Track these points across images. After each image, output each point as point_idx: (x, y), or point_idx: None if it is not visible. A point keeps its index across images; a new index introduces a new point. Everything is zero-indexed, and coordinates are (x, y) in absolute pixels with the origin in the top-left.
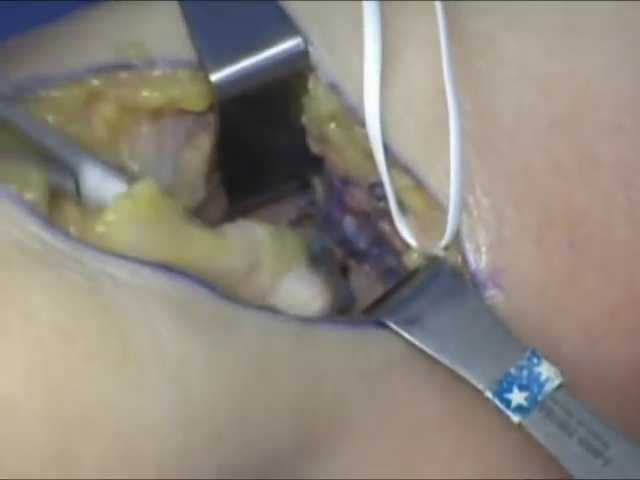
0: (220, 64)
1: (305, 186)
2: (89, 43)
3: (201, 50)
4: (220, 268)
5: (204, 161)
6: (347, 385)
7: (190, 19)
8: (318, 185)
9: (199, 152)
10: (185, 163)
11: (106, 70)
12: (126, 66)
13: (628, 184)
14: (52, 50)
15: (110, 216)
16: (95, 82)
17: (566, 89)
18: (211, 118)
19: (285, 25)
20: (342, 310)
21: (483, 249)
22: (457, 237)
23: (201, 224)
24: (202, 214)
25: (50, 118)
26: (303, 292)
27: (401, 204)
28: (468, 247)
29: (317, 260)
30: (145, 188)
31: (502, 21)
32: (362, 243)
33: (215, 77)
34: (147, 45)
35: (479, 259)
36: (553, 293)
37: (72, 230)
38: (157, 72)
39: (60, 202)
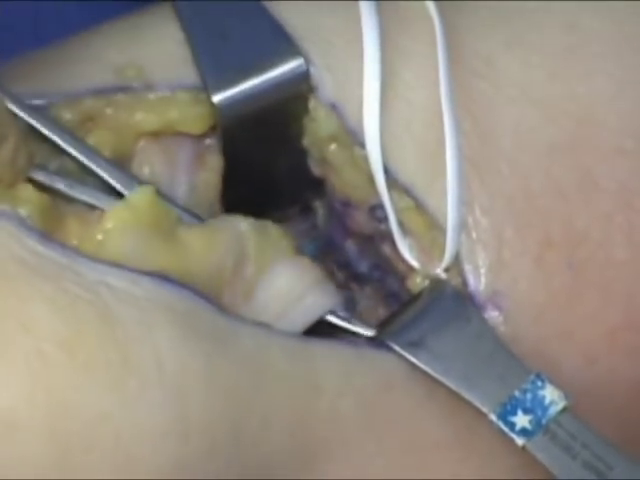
0: (222, 85)
1: (306, 210)
2: (88, 65)
3: (203, 71)
4: (211, 267)
5: (218, 182)
6: (344, 402)
7: (193, 40)
8: (319, 208)
9: (212, 173)
10: (201, 183)
11: (104, 92)
12: (124, 88)
13: (628, 206)
14: (51, 72)
15: (108, 224)
16: (91, 103)
17: (567, 112)
18: (210, 141)
19: (287, 46)
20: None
21: (482, 270)
22: (457, 258)
23: (191, 223)
24: None
25: None
26: (292, 285)
27: (402, 225)
28: (467, 268)
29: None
30: (142, 196)
31: (503, 42)
32: (363, 267)
33: (217, 98)
34: (146, 67)
35: (478, 280)
36: (552, 314)
37: (72, 239)
38: (155, 94)
39: (59, 210)
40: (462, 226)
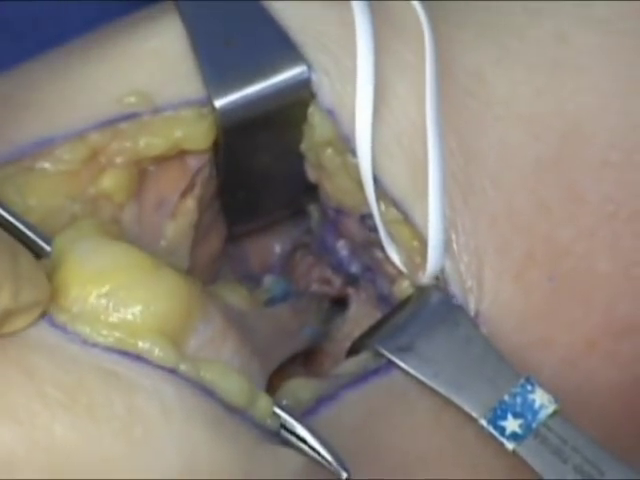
0: (225, 90)
1: (300, 213)
2: (89, 96)
3: (206, 76)
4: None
5: (189, 230)
6: None
7: (196, 45)
8: (314, 212)
9: (185, 219)
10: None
11: (108, 124)
12: (129, 116)
13: (612, 218)
14: (53, 107)
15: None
16: (97, 138)
17: (554, 128)
18: (203, 160)
19: (290, 52)
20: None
21: (465, 287)
22: (442, 272)
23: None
24: (203, 243)
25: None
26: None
27: (390, 235)
28: (451, 284)
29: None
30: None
31: (493, 57)
32: (355, 268)
33: (220, 103)
34: (148, 91)
35: (462, 296)
36: (532, 324)
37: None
38: (159, 116)
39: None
40: (444, 243)
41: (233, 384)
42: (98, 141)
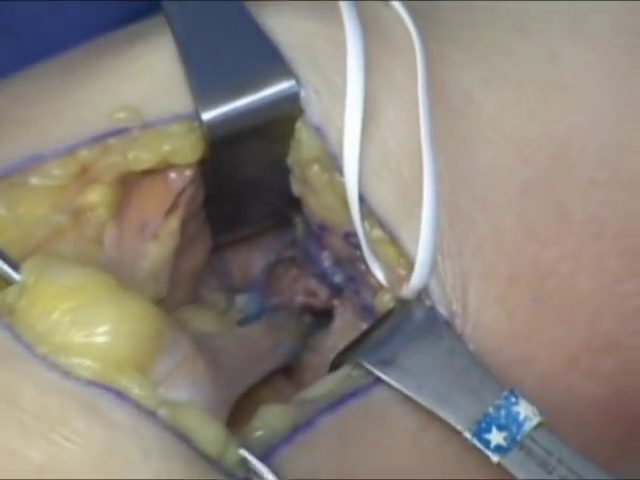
0: (213, 103)
1: (284, 226)
2: (80, 112)
3: (195, 89)
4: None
5: (169, 254)
6: None
7: (186, 57)
8: (299, 223)
9: (164, 245)
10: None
11: (98, 140)
12: (119, 131)
13: (598, 237)
14: (43, 123)
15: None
16: (86, 154)
17: (543, 149)
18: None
19: (279, 67)
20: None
21: (450, 308)
22: (426, 292)
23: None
24: (188, 254)
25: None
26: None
27: (374, 254)
28: (437, 305)
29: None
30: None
31: (482, 77)
32: (339, 278)
33: (207, 116)
34: (138, 106)
35: (448, 316)
36: (514, 344)
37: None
38: (148, 132)
39: None
40: (432, 261)
41: (209, 433)
42: (87, 157)
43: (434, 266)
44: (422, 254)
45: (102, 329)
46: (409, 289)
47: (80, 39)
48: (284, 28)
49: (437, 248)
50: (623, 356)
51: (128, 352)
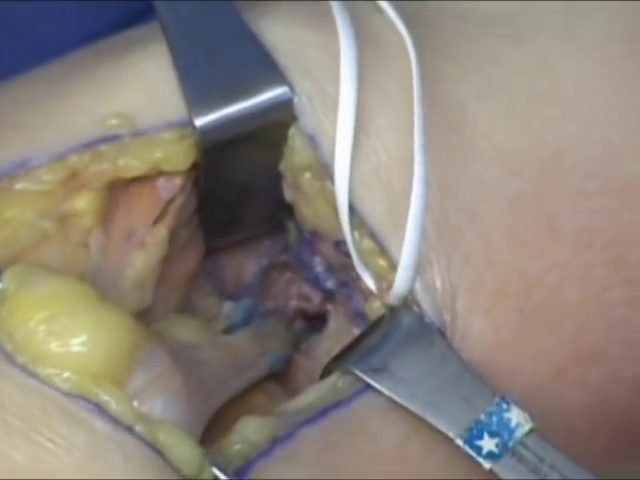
0: (206, 109)
1: (277, 231)
2: (72, 118)
3: (188, 95)
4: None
5: (156, 262)
6: None
7: (179, 63)
8: (292, 229)
9: (151, 253)
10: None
11: (90, 146)
12: (110, 138)
13: (586, 247)
14: (35, 128)
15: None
16: (76, 159)
17: (534, 162)
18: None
19: (273, 73)
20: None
21: (441, 319)
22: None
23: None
24: (181, 259)
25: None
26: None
27: (364, 262)
28: (426, 313)
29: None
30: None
31: (476, 89)
32: (331, 283)
33: (200, 122)
34: (130, 113)
35: (437, 325)
36: (501, 356)
37: None
38: (140, 139)
39: None
40: (415, 265)
41: (185, 452)
42: (78, 162)
43: (417, 272)
44: (405, 258)
45: (78, 340)
46: (394, 294)
47: (79, 39)
48: (279, 36)
49: (425, 260)
50: (610, 365)
51: (104, 364)
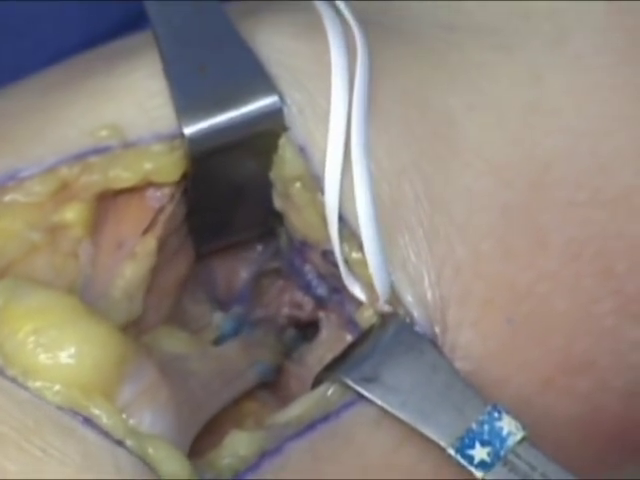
0: (195, 118)
1: (269, 237)
2: (62, 130)
3: (178, 104)
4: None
5: (146, 274)
6: None
7: (170, 71)
8: (283, 234)
9: (140, 264)
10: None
11: (80, 157)
12: (100, 150)
13: (575, 258)
14: (25, 140)
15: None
16: (67, 171)
17: (524, 174)
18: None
19: (263, 83)
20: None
21: (432, 331)
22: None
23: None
24: (170, 266)
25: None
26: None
27: (353, 272)
28: (418, 325)
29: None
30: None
31: (466, 101)
32: (322, 290)
33: (189, 131)
34: (120, 125)
35: (428, 336)
36: (488, 367)
37: None
38: (130, 150)
39: None
40: (385, 264)
41: (175, 466)
42: (68, 174)
43: (415, 292)
44: (372, 259)
45: (66, 352)
46: (381, 300)
47: (79, 41)
48: (270, 46)
49: (416, 273)
50: (599, 375)
51: (92, 376)
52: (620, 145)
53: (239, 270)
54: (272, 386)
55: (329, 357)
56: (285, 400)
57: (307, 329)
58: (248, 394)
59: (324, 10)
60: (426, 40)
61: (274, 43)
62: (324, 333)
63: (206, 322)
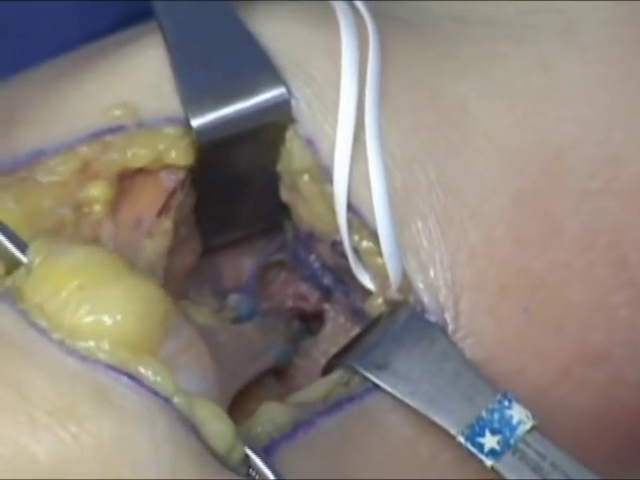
0: (202, 110)
1: (274, 230)
2: (77, 108)
3: (184, 96)
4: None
5: (165, 249)
6: None
7: (176, 64)
8: (289, 227)
9: (160, 239)
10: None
11: (97, 136)
12: (116, 129)
13: (589, 248)
14: (46, 121)
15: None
16: (87, 150)
17: (535, 161)
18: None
19: (270, 74)
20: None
21: (443, 318)
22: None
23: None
24: (178, 258)
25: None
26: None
27: (362, 262)
28: (430, 316)
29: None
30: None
31: (477, 88)
32: (328, 280)
33: (196, 123)
34: (134, 104)
35: (438, 323)
36: (504, 355)
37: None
38: (144, 130)
39: None
40: (399, 250)
41: (220, 428)
42: (88, 153)
43: (426, 278)
44: (386, 248)
45: (112, 309)
46: (393, 287)
47: (79, 40)
48: (277, 37)
49: (429, 259)
50: (614, 367)
51: (137, 332)
52: (631, 135)
53: (244, 262)
54: (278, 376)
55: (334, 350)
56: (291, 390)
57: (312, 323)
58: (254, 380)
59: (336, 2)
60: (438, 32)
61: (281, 34)
62: (329, 325)
63: (218, 308)
